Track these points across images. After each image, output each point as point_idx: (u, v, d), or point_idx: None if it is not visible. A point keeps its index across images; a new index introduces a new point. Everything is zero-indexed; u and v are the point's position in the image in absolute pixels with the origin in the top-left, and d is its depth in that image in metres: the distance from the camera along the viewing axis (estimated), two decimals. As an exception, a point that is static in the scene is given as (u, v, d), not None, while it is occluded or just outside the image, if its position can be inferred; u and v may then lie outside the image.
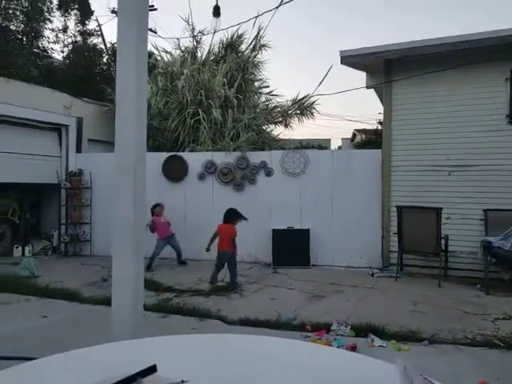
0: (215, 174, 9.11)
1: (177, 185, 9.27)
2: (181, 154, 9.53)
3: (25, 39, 13.72)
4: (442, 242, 7.16)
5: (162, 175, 9.30)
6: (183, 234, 8.65)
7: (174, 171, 9.29)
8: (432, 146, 7.75)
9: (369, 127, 18.09)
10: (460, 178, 7.59)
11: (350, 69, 8.54)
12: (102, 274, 7.42)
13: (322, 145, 13.62)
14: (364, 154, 9.08)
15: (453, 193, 7.58)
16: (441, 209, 6.96)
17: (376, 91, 9.66)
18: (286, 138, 12.15)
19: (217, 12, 5.80)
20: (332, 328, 4.84)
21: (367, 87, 9.19)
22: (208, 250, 6.94)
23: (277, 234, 8.41)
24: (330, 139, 19.33)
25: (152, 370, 1.07)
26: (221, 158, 9.13)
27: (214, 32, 10.55)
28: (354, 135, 20.18)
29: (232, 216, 6.95)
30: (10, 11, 13.02)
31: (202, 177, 9.19)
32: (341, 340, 4.46)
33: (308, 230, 8.39)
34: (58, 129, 10.18)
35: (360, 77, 9.08)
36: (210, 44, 12.00)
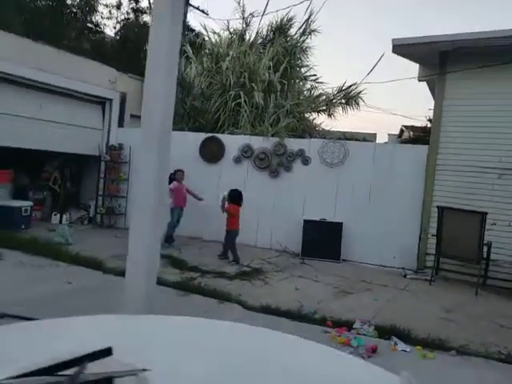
0: (251, 159, 8.93)
1: (212, 166, 9.16)
2: (219, 135, 9.40)
3: (79, 13, 13.98)
4: (484, 248, 6.74)
5: (199, 156, 9.22)
6: (214, 215, 8.56)
7: (211, 152, 9.18)
8: (483, 145, 7.24)
9: (418, 124, 17.31)
10: (511, 182, 7.08)
11: (405, 62, 8.09)
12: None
13: (366, 139, 13.13)
14: (409, 149, 8.64)
15: (501, 197, 7.10)
16: (486, 213, 6.53)
17: (429, 85, 9.15)
18: (328, 128, 11.79)
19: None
20: (354, 326, 4.62)
21: (419, 79, 8.72)
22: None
23: (308, 225, 8.17)
24: (375, 134, 18.68)
25: (105, 353, 0.91)
26: (258, 143, 8.94)
27: (263, 14, 10.31)
28: (402, 131, 19.43)
29: (241, 198, 7.48)
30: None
31: (238, 160, 9.03)
32: (361, 339, 4.22)
33: (341, 224, 8.10)
34: (102, 102, 10.31)
35: (414, 70, 8.63)
36: (258, 26, 11.80)
